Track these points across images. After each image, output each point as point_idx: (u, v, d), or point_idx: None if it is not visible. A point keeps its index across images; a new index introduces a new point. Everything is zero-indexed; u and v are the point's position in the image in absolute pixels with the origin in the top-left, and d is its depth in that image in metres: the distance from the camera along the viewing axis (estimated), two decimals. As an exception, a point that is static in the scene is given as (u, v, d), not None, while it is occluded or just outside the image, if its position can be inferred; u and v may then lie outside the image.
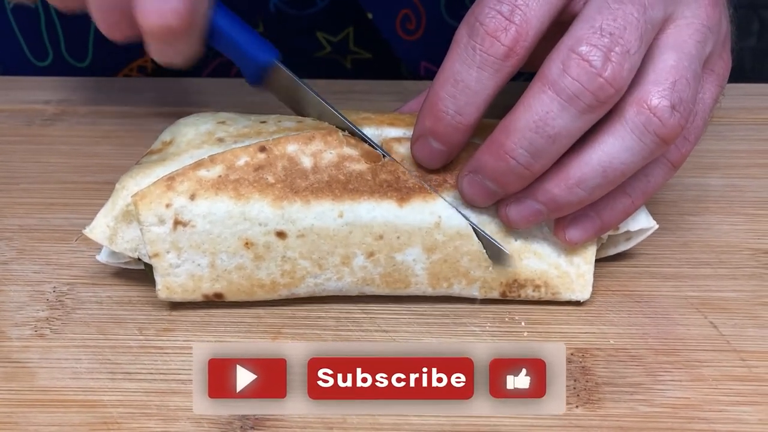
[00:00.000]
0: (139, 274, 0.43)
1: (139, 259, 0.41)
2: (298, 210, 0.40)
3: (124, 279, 0.44)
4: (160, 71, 0.63)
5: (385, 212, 0.40)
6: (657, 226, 0.43)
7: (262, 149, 0.40)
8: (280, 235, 0.40)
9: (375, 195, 0.40)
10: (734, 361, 0.40)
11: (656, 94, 0.37)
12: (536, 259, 0.41)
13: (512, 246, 0.41)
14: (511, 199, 0.39)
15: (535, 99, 0.36)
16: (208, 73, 0.67)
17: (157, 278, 0.41)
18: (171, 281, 0.41)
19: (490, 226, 0.41)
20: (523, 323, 0.42)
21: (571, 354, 0.40)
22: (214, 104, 0.54)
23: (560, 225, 0.40)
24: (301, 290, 0.41)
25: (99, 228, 0.41)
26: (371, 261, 0.41)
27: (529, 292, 0.42)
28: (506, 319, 0.42)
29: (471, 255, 0.41)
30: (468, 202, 0.40)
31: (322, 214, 0.40)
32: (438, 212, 0.40)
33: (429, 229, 0.40)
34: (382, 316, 0.42)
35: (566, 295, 0.42)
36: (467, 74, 0.37)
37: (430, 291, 0.42)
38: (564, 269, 0.41)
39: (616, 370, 0.39)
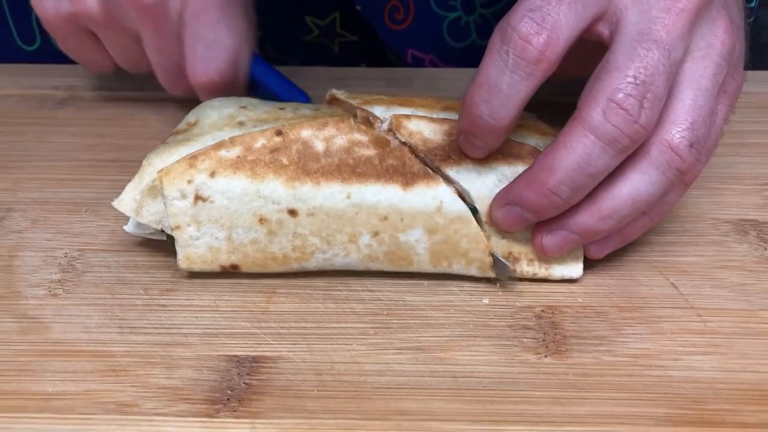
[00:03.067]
0: (145, 241, 0.47)
1: (162, 231, 0.45)
2: (308, 190, 0.43)
3: (130, 246, 0.47)
4: None
5: (390, 195, 0.43)
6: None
7: (279, 133, 0.44)
8: (292, 212, 0.43)
9: (381, 179, 0.43)
10: (691, 316, 0.43)
11: (677, 134, 0.40)
12: (527, 233, 0.44)
13: None
14: (545, 230, 0.43)
15: (578, 142, 0.39)
16: None
17: (178, 249, 0.44)
18: (191, 252, 0.44)
19: (487, 201, 0.44)
20: (497, 284, 0.45)
21: (542, 311, 0.43)
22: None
23: (589, 248, 0.44)
24: (311, 264, 0.45)
25: (126, 201, 0.45)
26: (376, 240, 0.44)
27: (524, 267, 0.45)
28: (483, 281, 0.45)
29: (470, 237, 0.44)
30: (501, 228, 0.44)
31: (330, 195, 0.43)
32: (440, 197, 0.43)
33: (431, 212, 0.43)
34: (368, 278, 0.45)
35: (559, 271, 0.45)
36: (500, 79, 0.39)
37: (430, 269, 0.45)
38: None
39: (583, 325, 0.43)
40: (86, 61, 0.58)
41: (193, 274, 0.45)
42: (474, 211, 0.44)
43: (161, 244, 0.47)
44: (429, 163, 0.44)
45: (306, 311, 0.43)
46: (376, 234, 0.44)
